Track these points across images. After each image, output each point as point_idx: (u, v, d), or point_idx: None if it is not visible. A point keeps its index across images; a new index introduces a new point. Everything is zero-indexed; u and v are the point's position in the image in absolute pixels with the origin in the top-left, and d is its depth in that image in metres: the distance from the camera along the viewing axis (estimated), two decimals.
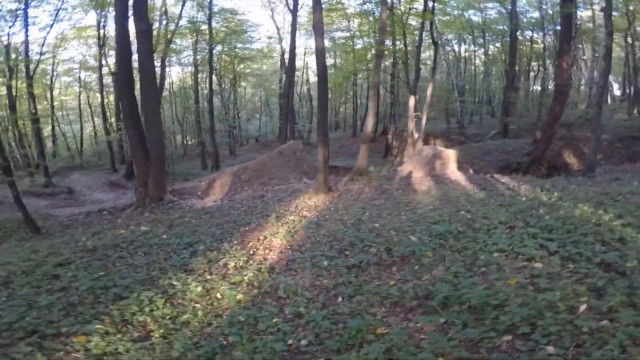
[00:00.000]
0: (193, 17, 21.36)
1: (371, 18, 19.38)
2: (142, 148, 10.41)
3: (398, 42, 20.08)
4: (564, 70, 13.94)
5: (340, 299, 3.64)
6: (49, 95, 24.76)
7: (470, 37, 26.59)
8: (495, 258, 3.91)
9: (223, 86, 32.21)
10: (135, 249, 6.06)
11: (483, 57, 27.41)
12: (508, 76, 20.15)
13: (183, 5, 19.82)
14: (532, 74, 24.16)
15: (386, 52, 24.38)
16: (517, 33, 20.80)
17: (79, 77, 27.72)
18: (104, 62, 24.11)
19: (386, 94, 23.77)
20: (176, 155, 30.66)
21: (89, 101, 29.62)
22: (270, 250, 5.59)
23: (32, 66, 18.93)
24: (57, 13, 19.04)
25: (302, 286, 4.00)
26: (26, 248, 6.96)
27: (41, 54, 19.88)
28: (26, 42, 18.00)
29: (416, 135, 17.55)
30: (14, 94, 18.70)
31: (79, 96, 29.04)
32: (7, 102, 18.37)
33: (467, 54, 28.95)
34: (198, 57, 24.94)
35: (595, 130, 10.14)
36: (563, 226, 4.49)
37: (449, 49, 27.63)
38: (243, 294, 3.98)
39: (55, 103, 26.02)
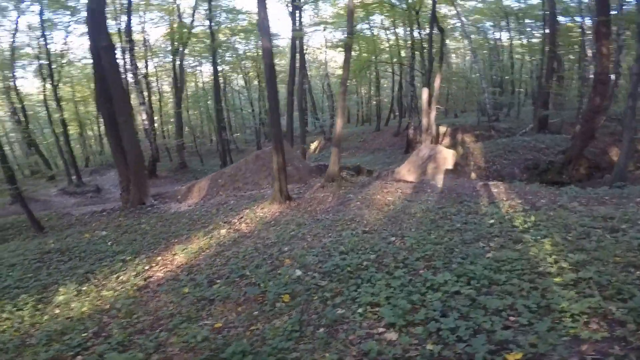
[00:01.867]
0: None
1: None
2: (122, 154, 10.56)
3: (416, 32, 18.32)
4: (603, 56, 11.55)
5: (158, 330, 3.24)
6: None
7: (505, 24, 23.59)
8: (353, 316, 2.88)
9: (248, 85, 32.33)
10: (77, 254, 6.54)
11: (520, 45, 24.21)
12: (549, 64, 17.42)
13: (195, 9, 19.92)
14: (584, 63, 20.79)
15: (407, 43, 22.63)
16: (558, 18, 17.89)
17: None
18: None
19: (408, 86, 21.97)
20: (210, 151, 31.46)
21: None
22: (165, 267, 5.28)
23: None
24: None
25: (144, 309, 3.78)
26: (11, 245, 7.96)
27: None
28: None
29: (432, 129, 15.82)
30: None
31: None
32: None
33: (501, 43, 25.78)
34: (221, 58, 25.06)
35: (628, 127, 8.04)
36: (490, 274, 3.23)
37: (478, 37, 24.82)
38: (89, 307, 4.06)
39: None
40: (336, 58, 33.68)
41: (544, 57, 18.13)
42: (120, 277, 5.00)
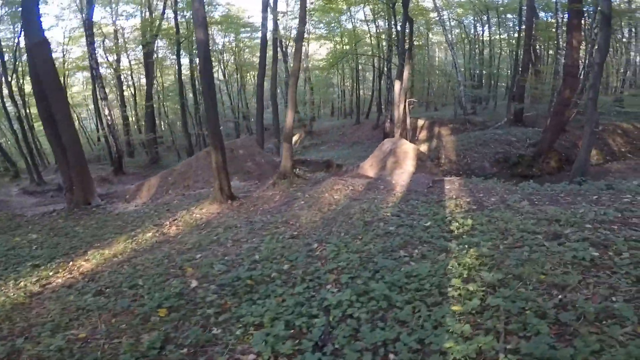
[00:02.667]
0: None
1: None
2: (63, 153, 9.88)
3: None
4: (573, 48, 11.22)
5: (22, 337, 2.91)
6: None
7: (486, 18, 23.19)
8: (227, 338, 2.44)
9: (227, 77, 31.40)
10: None
11: (500, 39, 23.87)
12: (525, 58, 17.08)
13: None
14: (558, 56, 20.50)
15: (385, 36, 22.09)
16: (540, 13, 17.53)
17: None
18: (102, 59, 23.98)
19: (387, 80, 21.47)
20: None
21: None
22: (70, 274, 4.77)
23: None
24: None
25: (23, 316, 3.40)
26: None
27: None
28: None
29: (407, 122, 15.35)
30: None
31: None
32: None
33: (482, 37, 25.40)
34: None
35: (589, 120, 7.66)
36: (391, 295, 2.67)
37: (459, 30, 24.40)
38: None
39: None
40: (321, 51, 32.93)
41: (519, 50, 17.80)
42: (21, 283, 4.55)
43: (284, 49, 25.37)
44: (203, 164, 9.72)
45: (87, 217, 9.14)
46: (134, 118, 30.03)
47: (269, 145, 18.22)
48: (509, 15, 23.55)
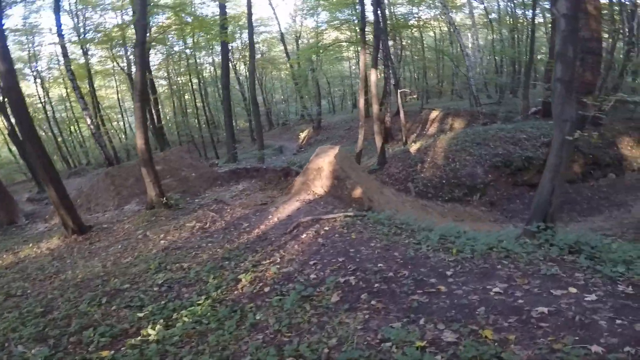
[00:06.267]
0: None
1: None
2: None
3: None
4: (591, 17, 8.06)
5: None
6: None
7: None
8: None
9: (237, 74, 30.57)
10: None
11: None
12: (553, 36, 13.43)
13: None
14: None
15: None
16: None
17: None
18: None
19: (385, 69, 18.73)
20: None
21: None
22: None
23: None
24: None
25: None
26: None
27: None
28: None
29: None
30: None
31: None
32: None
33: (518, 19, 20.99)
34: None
35: (558, 119, 4.92)
36: None
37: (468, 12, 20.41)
38: None
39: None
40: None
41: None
42: None
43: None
44: (102, 186, 8.62)
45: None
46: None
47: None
48: None
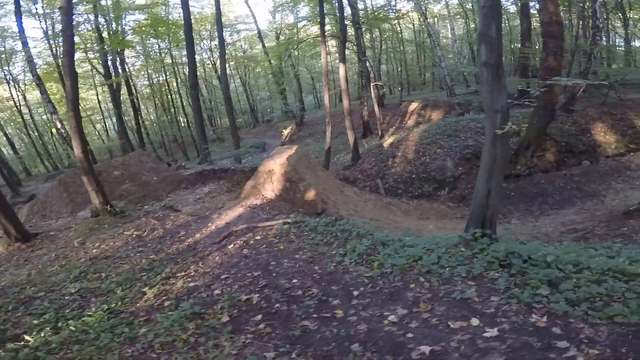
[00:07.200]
0: None
1: None
2: None
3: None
4: (549, 1, 7.91)
5: None
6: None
7: None
8: None
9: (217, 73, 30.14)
10: None
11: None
12: (524, 24, 13.16)
13: None
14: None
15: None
16: None
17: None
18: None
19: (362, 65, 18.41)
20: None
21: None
22: None
23: None
24: None
25: None
26: None
27: None
28: None
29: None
30: None
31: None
32: None
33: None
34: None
35: (489, 110, 4.49)
36: None
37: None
38: None
39: None
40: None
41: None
42: None
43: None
44: (56, 194, 8.33)
45: None
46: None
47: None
48: None
